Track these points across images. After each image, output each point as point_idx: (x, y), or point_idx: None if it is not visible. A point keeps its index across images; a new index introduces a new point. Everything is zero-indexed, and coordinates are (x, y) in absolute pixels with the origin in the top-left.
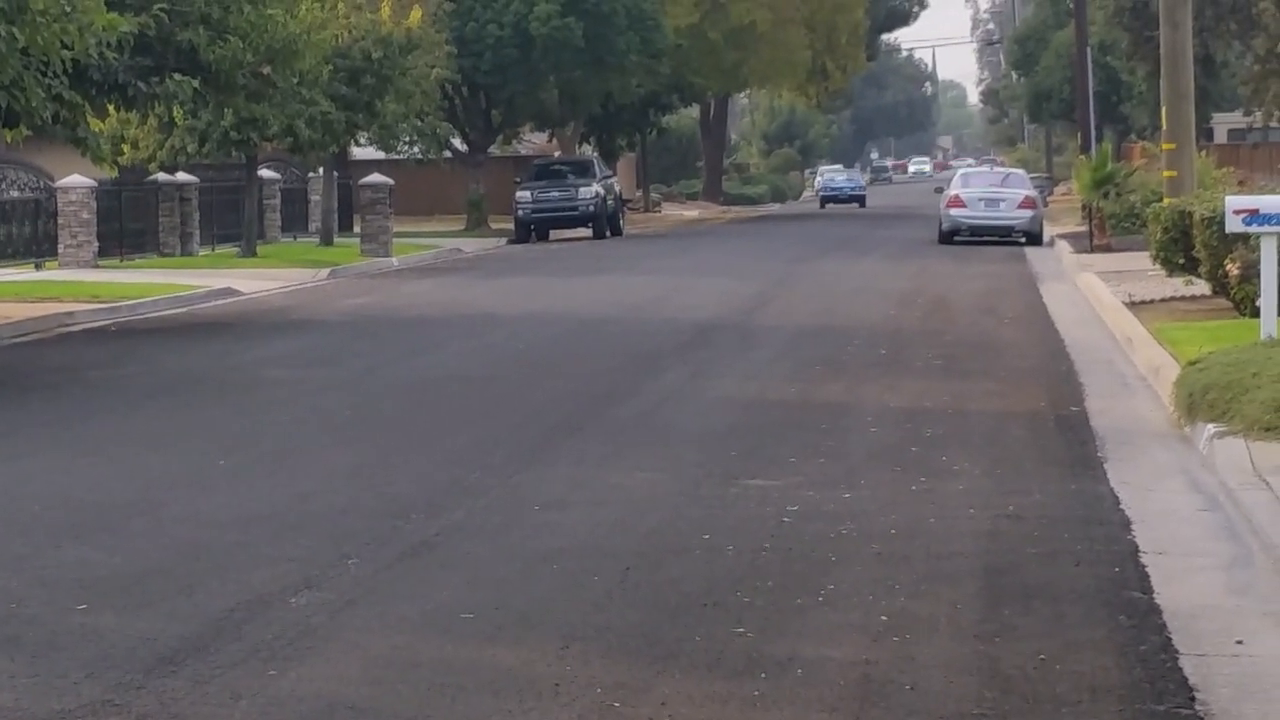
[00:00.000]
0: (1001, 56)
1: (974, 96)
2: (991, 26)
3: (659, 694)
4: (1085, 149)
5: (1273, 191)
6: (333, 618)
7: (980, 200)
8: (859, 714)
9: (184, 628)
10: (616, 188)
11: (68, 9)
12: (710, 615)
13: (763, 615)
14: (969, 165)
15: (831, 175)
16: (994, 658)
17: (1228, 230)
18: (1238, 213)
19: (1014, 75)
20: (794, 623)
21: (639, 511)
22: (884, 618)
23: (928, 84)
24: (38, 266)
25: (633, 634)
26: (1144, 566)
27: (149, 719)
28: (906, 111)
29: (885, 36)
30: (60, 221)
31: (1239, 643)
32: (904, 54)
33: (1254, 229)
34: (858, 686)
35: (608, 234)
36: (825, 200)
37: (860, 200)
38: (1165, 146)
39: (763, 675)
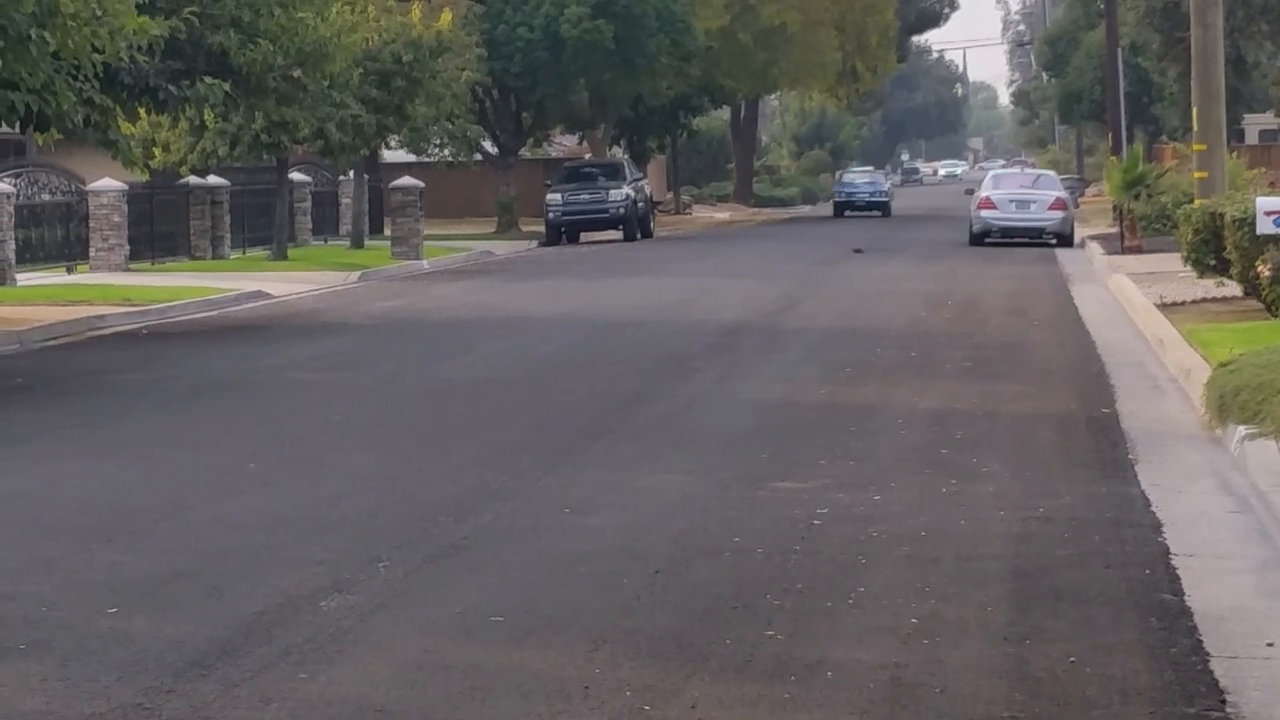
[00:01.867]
0: (1032, 58)
1: (1005, 98)
2: (1022, 28)
3: (688, 697)
4: (1116, 150)
5: None
6: (362, 621)
7: (1011, 202)
8: (889, 717)
9: (214, 631)
10: (647, 190)
11: (98, 13)
12: (740, 618)
13: (792, 618)
14: (999, 167)
15: (851, 178)
16: (1024, 660)
17: (1259, 232)
18: (1269, 214)
19: (1045, 76)
20: (824, 625)
21: (668, 514)
22: (914, 620)
23: (958, 85)
24: (69, 270)
25: (662, 637)
26: (1175, 569)
27: None
28: (937, 113)
29: (916, 38)
30: (91, 225)
31: (1270, 645)
32: (935, 55)
33: None
34: (887, 689)
35: (638, 236)
36: (841, 207)
37: (883, 208)
38: (1196, 148)
39: (792, 678)
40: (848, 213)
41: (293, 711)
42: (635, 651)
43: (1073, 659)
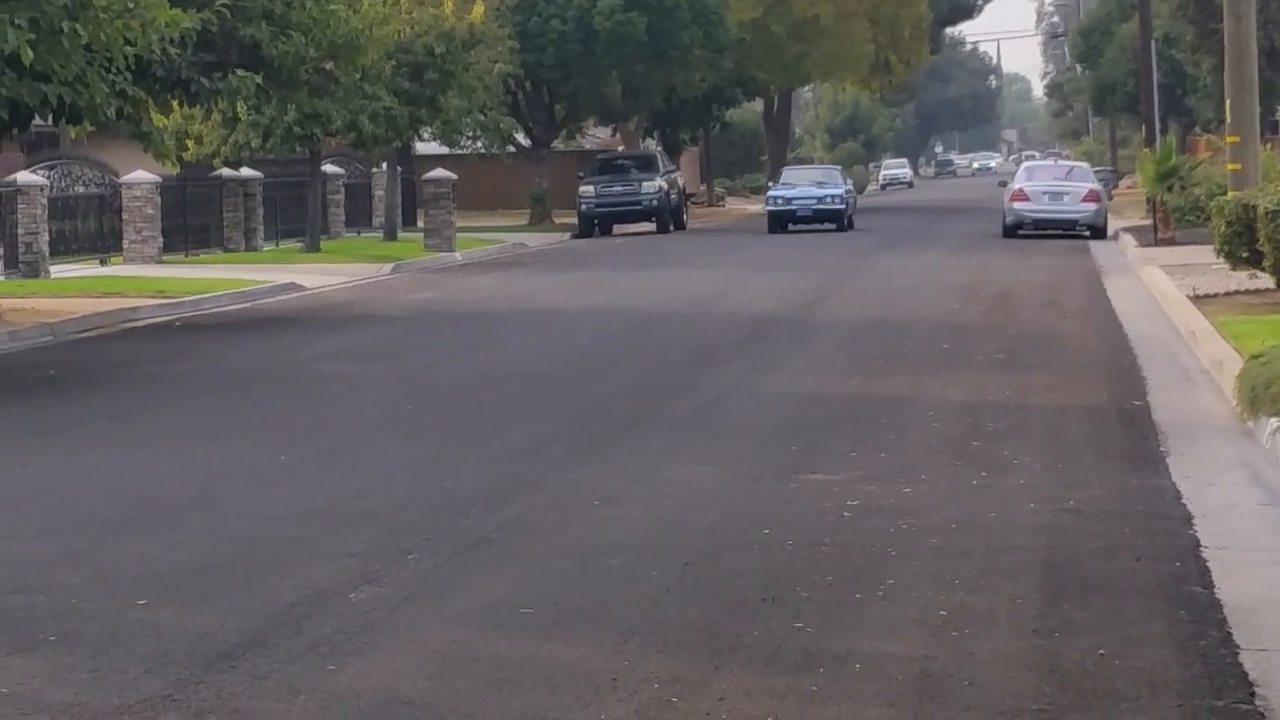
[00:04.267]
0: (1066, 49)
1: (1039, 90)
2: (1056, 19)
3: (717, 689)
4: (1150, 142)
5: None
6: (391, 613)
7: (1044, 194)
8: (917, 709)
9: (243, 622)
10: (680, 182)
11: (130, 5)
12: (769, 610)
13: (821, 610)
14: (1033, 158)
15: (792, 178)
16: (1053, 653)
17: None
18: None
19: (1078, 68)
20: (852, 617)
21: (698, 506)
22: (943, 612)
23: (992, 77)
24: (103, 262)
25: (691, 629)
26: (1205, 561)
27: (208, 714)
28: (971, 105)
29: (949, 30)
30: (125, 217)
31: None
32: (968, 47)
33: None
34: (916, 681)
35: (671, 228)
36: (779, 220)
37: (835, 220)
38: (1229, 139)
39: (821, 670)
40: (790, 225)
41: (321, 703)
42: (664, 643)
43: (1102, 651)
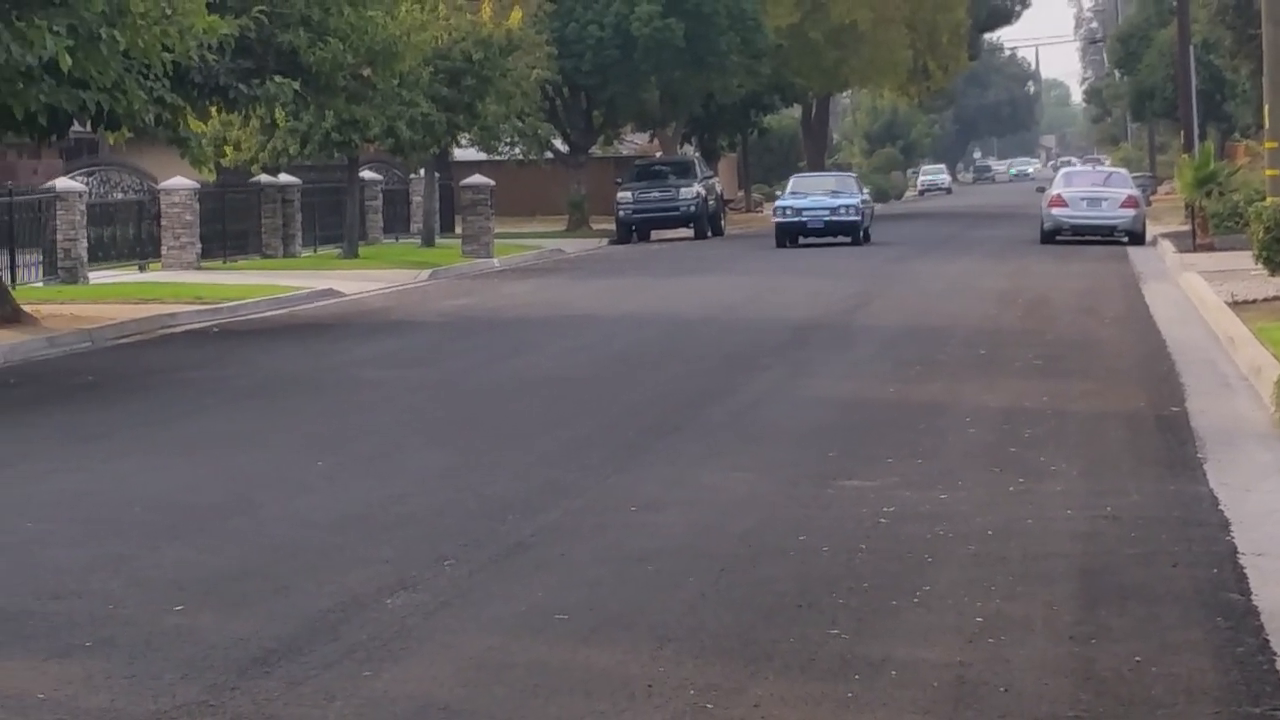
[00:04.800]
0: (1104, 55)
1: (1077, 95)
2: (1095, 25)
3: (752, 695)
4: (1188, 148)
5: None
6: (427, 619)
7: (1082, 199)
8: (952, 716)
9: (279, 628)
10: (718, 188)
11: (168, 12)
12: (804, 616)
13: (857, 616)
14: (1070, 164)
15: (802, 186)
16: (1089, 659)
17: None
18: None
19: (1117, 74)
20: (889, 624)
21: (734, 512)
22: (979, 619)
23: (1030, 83)
24: (141, 268)
25: (726, 635)
26: (1242, 568)
27: None
28: (1009, 110)
29: (987, 35)
30: (163, 223)
31: None
32: (1007, 53)
33: None
34: (951, 688)
35: (709, 234)
36: (788, 234)
37: (850, 232)
38: (1268, 145)
39: (856, 677)
40: (801, 239)
41: (356, 709)
42: (699, 650)
43: (1138, 658)
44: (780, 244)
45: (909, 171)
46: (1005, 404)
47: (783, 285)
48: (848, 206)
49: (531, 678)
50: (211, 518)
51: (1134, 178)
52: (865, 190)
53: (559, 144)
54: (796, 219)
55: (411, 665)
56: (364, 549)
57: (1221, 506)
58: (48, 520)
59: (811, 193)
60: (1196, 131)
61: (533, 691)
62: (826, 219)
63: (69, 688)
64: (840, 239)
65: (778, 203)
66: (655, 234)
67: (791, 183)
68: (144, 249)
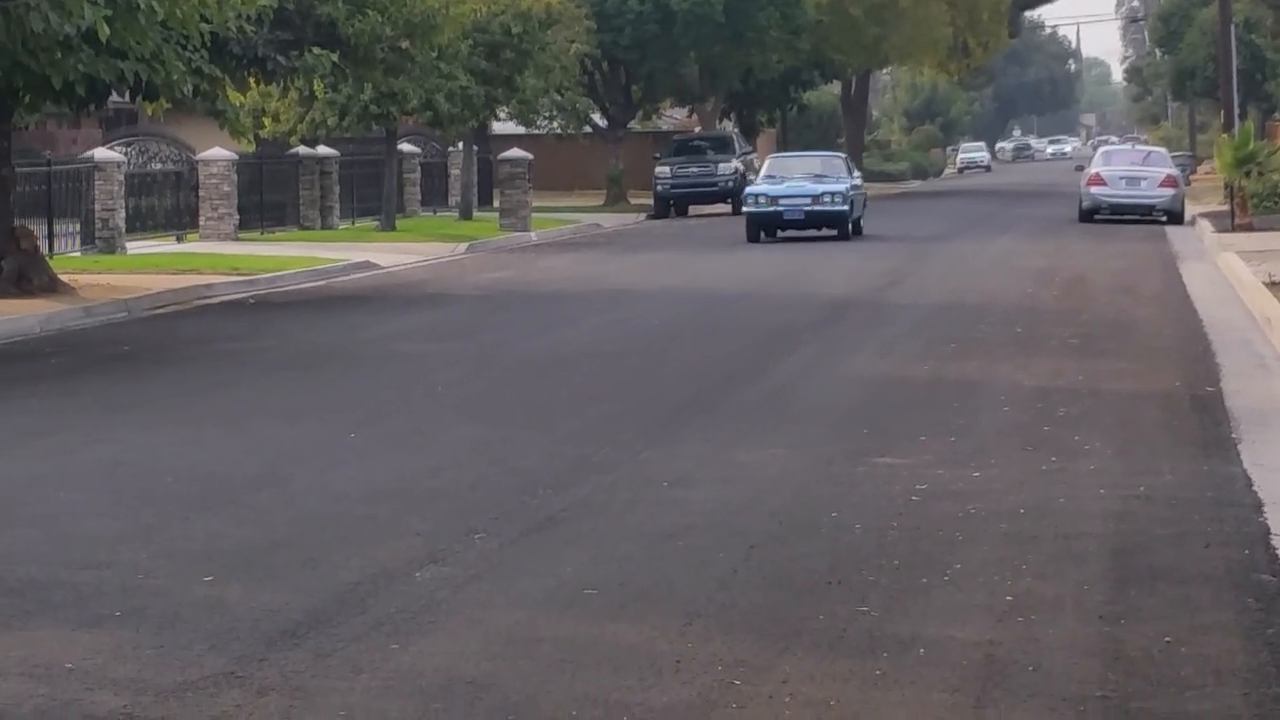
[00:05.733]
0: (1145, 34)
1: (1118, 74)
2: (1136, 3)
3: (780, 672)
4: (1228, 127)
5: None
6: (456, 592)
7: (1121, 178)
8: (980, 695)
9: (308, 600)
10: (756, 164)
11: None
12: (834, 594)
13: (887, 594)
14: (1109, 143)
15: (778, 167)
16: (1119, 640)
17: None
18: None
19: (1158, 53)
20: (919, 602)
21: (766, 489)
22: (1009, 598)
23: (1071, 61)
24: (179, 239)
25: (756, 612)
26: (1274, 549)
27: (270, 692)
28: (1050, 89)
29: (1028, 13)
30: (201, 194)
31: None
32: (1047, 31)
33: None
34: (980, 667)
35: None
36: (761, 225)
37: (836, 224)
38: None
39: (885, 655)
40: (780, 233)
41: (384, 681)
42: (728, 626)
43: (1168, 639)
44: (751, 238)
45: (948, 149)
46: (1040, 383)
47: (821, 261)
48: (833, 194)
49: (559, 653)
50: (243, 489)
51: (1173, 157)
52: (856, 174)
53: (597, 118)
54: (771, 209)
55: (439, 639)
56: (395, 522)
57: (1255, 487)
58: (80, 490)
59: (790, 176)
60: (1237, 111)
61: (560, 666)
62: (807, 209)
63: (97, 657)
64: (824, 232)
65: (748, 189)
66: (693, 209)
67: (767, 164)
68: (182, 220)
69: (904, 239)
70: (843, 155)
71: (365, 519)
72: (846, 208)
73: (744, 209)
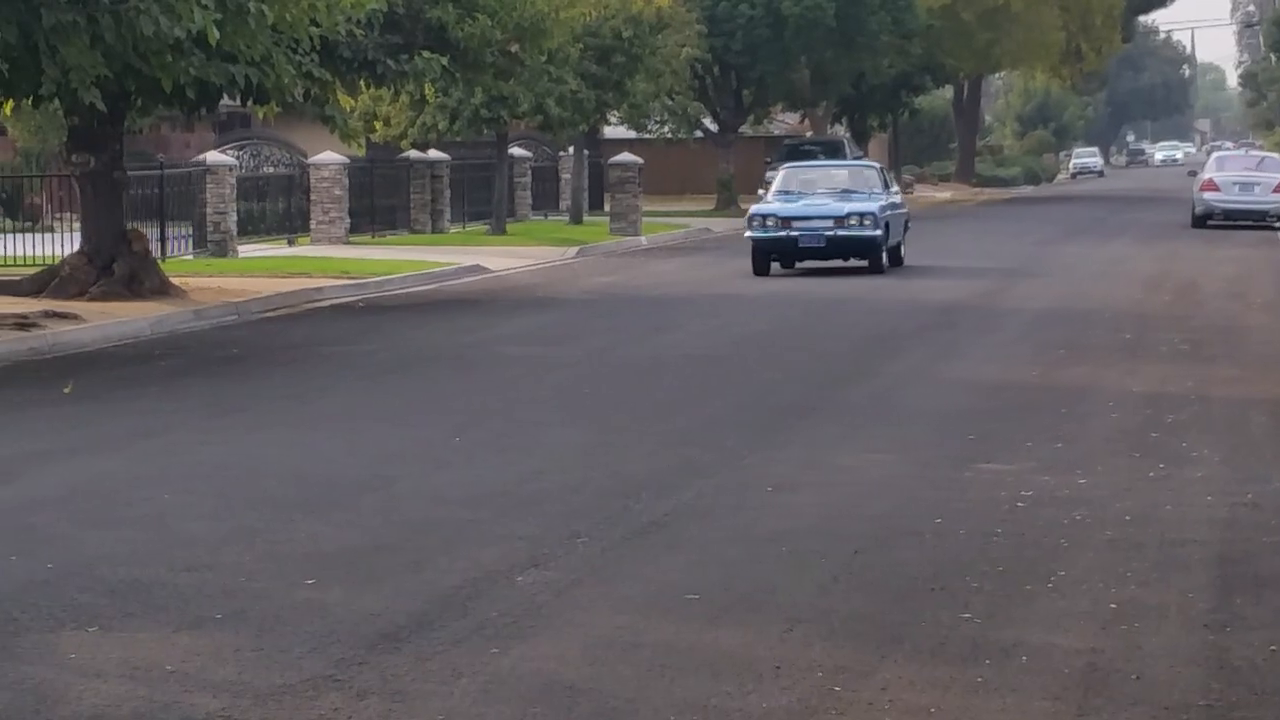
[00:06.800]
0: (1260, 39)
1: (1233, 79)
2: (1251, 8)
3: (880, 678)
4: None
5: None
6: (558, 597)
7: (1234, 184)
8: (1082, 703)
9: (410, 604)
10: None
11: None
12: (937, 600)
13: (990, 601)
14: (1222, 148)
15: (788, 179)
16: (1223, 648)
17: None
18: None
19: (1273, 58)
20: (1021, 609)
21: (870, 494)
22: (1113, 606)
23: (1185, 66)
24: (290, 242)
25: (857, 617)
26: None
27: (369, 695)
28: (1163, 94)
29: (1142, 18)
30: (313, 198)
31: None
32: (1161, 36)
33: None
34: (1082, 675)
35: None
36: (768, 252)
37: (867, 252)
38: None
39: (986, 662)
40: (797, 263)
41: (483, 686)
42: (829, 632)
43: (1273, 648)
44: (758, 270)
45: (1061, 154)
46: (1149, 389)
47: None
48: (862, 215)
49: (659, 658)
50: (347, 492)
51: None
52: (894, 188)
53: (708, 123)
54: (782, 233)
55: (539, 643)
56: (498, 525)
57: None
58: (185, 492)
59: (810, 192)
60: None
61: (659, 672)
62: (829, 234)
63: (197, 659)
64: (852, 261)
65: (754, 208)
66: None
67: (781, 176)
68: (293, 223)
69: (1014, 243)
70: (878, 165)
71: (468, 522)
72: (879, 232)
73: (747, 233)
